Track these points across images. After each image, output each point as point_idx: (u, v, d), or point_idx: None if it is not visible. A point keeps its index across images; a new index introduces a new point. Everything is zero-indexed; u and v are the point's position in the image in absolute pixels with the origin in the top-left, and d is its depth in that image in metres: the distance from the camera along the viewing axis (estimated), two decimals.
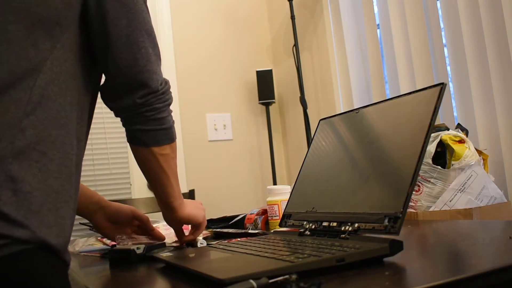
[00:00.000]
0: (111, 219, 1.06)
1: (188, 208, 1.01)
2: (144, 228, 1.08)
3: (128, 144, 0.92)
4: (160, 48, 0.88)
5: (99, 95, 0.89)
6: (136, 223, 1.08)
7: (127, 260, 0.91)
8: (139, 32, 0.83)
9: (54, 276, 0.69)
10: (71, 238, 1.22)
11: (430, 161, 1.44)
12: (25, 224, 0.65)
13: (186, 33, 2.63)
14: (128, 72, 0.83)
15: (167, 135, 0.91)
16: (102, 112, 2.34)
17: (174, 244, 1.06)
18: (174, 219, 1.00)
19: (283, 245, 0.79)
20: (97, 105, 0.89)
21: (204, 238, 1.11)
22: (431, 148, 1.45)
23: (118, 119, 0.90)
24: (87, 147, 0.90)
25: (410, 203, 1.42)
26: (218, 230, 1.24)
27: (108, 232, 1.07)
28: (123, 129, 0.90)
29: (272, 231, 1.19)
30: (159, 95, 0.87)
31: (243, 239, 0.99)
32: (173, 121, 0.93)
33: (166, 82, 0.89)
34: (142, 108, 0.86)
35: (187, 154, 2.56)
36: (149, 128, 0.88)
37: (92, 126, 0.90)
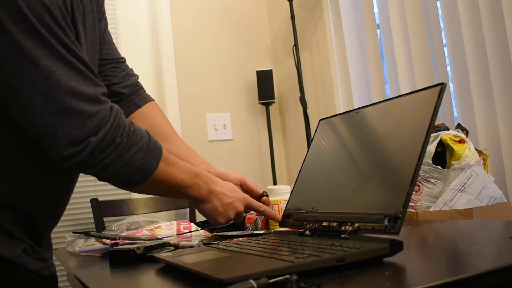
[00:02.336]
0: None
1: (209, 206, 0.97)
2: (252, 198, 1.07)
3: None
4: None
5: None
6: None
7: (127, 260, 0.91)
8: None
9: (11, 285, 0.78)
10: (71, 238, 1.22)
11: (430, 161, 1.44)
12: None
13: (186, 33, 2.63)
14: (28, 130, 0.74)
15: (136, 177, 0.81)
16: None
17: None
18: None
19: (283, 245, 0.79)
20: None
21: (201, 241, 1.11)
22: (431, 148, 1.45)
23: None
24: None
25: (410, 203, 1.42)
26: (221, 233, 1.24)
27: None
28: None
29: (272, 231, 1.19)
30: (77, 161, 0.73)
31: (243, 239, 0.99)
32: (142, 156, 0.79)
33: (96, 134, 0.73)
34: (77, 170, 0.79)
35: None
36: (109, 179, 0.81)
37: None
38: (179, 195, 0.94)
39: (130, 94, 1.14)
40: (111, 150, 0.76)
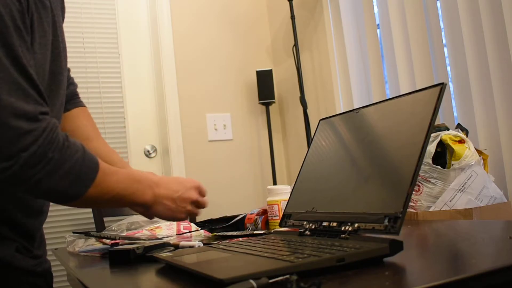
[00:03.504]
0: None
1: (161, 207, 0.95)
2: None
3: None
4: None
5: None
6: None
7: (127, 260, 0.91)
8: None
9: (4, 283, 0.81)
10: (71, 238, 1.22)
11: (430, 161, 1.44)
12: None
13: (186, 33, 2.63)
14: None
15: (72, 192, 0.79)
16: (102, 113, 2.35)
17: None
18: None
19: (283, 245, 0.79)
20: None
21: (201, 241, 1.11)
22: (431, 148, 1.45)
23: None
24: None
25: (410, 203, 1.42)
26: (221, 233, 1.24)
27: None
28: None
29: (272, 231, 1.19)
30: (7, 176, 0.72)
31: (243, 239, 0.99)
32: (77, 170, 0.78)
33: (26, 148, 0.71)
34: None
35: (187, 154, 2.56)
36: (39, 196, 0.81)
37: None
38: (125, 204, 0.91)
39: (65, 102, 1.12)
40: (42, 165, 0.74)
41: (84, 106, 1.21)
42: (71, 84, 1.20)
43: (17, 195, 0.88)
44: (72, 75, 1.21)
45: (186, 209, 0.98)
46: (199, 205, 1.01)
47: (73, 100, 1.18)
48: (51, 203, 0.96)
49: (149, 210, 0.95)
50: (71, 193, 0.80)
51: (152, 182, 0.93)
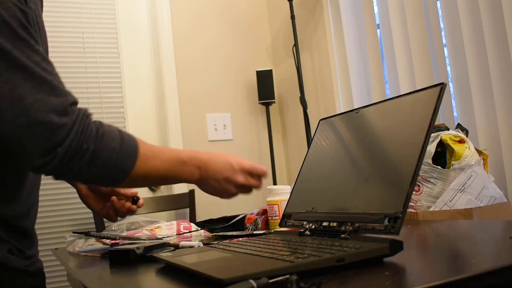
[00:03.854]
0: (91, 188, 1.09)
1: (205, 187, 0.96)
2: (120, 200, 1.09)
3: None
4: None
5: None
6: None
7: (127, 260, 0.91)
8: None
9: None
10: (71, 238, 1.22)
11: (430, 161, 1.44)
12: None
13: (186, 33, 2.63)
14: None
15: (113, 177, 0.83)
16: (102, 113, 2.35)
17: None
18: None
19: (283, 245, 0.79)
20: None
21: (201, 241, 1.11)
22: (431, 148, 1.45)
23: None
24: None
25: (410, 203, 1.42)
26: (221, 233, 1.24)
27: (90, 202, 1.10)
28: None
29: (272, 231, 1.19)
30: (50, 169, 0.76)
31: (243, 239, 0.99)
32: (115, 158, 0.80)
33: (69, 141, 0.74)
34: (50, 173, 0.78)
35: None
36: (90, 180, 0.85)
37: None
38: (173, 183, 0.96)
39: None
40: (79, 157, 0.76)
41: None
42: None
43: (9, 196, 0.88)
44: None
45: (231, 191, 0.97)
46: (246, 189, 0.99)
47: None
48: (42, 204, 0.96)
49: (199, 186, 0.97)
50: (113, 178, 0.83)
51: (200, 162, 0.93)
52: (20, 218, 0.91)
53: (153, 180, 0.89)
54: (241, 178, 0.97)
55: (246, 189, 0.99)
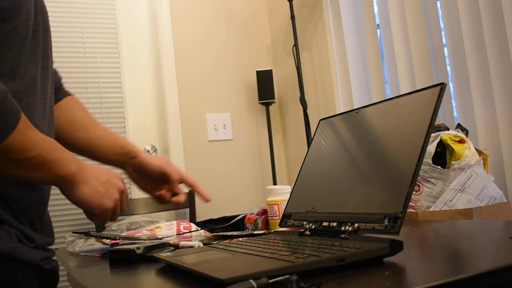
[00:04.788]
0: (138, 171, 1.06)
1: (88, 188, 0.81)
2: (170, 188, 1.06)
3: None
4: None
5: None
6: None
7: (127, 260, 0.91)
8: None
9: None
10: (71, 238, 1.22)
11: (430, 161, 1.44)
12: None
13: (186, 33, 2.63)
14: None
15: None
16: (102, 113, 2.35)
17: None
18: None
19: (283, 245, 0.79)
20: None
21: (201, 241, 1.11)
22: (431, 148, 1.45)
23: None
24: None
25: (410, 203, 1.42)
26: (221, 233, 1.24)
27: (139, 184, 1.08)
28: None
29: (272, 231, 1.19)
30: None
31: (243, 239, 0.99)
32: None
33: None
34: None
35: (187, 154, 2.56)
36: None
37: None
38: (46, 175, 0.77)
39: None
40: None
41: (72, 95, 1.13)
42: (55, 73, 1.11)
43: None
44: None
45: (115, 196, 0.85)
46: (122, 198, 0.89)
47: (60, 91, 1.11)
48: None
49: (74, 189, 0.80)
50: None
51: (77, 159, 0.82)
52: (23, 189, 0.80)
53: (27, 158, 0.73)
54: (121, 184, 0.88)
55: (122, 199, 0.89)
